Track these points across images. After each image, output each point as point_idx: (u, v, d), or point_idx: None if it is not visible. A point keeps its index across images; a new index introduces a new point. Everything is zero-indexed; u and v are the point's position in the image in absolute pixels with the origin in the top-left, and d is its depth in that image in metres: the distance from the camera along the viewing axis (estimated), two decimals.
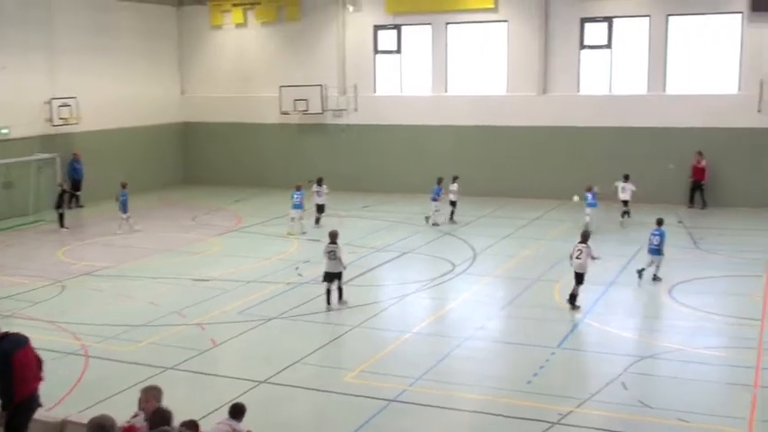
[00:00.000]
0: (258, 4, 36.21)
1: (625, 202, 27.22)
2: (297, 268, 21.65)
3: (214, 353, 15.58)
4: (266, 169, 36.68)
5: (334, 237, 18.29)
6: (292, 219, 26.33)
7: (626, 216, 26.94)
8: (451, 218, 27.56)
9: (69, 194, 29.50)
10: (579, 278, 17.84)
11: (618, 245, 23.82)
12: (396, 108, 34.41)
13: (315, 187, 27.38)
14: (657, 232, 19.95)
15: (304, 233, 25.99)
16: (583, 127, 31.45)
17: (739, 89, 29.64)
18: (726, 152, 29.54)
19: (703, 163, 29.56)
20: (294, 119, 35.75)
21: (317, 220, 27.19)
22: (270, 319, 17.38)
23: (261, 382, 13.82)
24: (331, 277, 18.07)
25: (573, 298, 17.71)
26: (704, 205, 29.64)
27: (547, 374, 14.12)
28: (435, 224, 26.97)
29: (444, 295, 19.62)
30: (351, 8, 34.42)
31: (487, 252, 23.51)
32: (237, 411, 10.06)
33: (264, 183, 36.05)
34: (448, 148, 33.24)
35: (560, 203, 30.60)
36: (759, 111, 29.11)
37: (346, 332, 16.52)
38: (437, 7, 33.21)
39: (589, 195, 26.27)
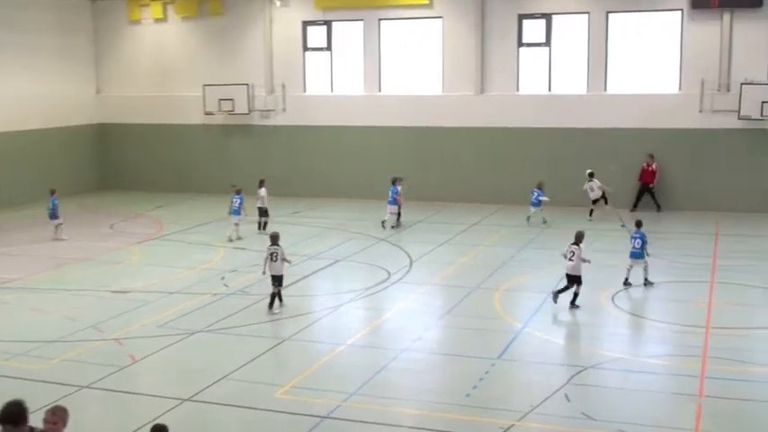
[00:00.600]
0: None
1: (594, 201, 28.05)
2: (223, 278, 21.41)
3: (133, 369, 15.27)
4: (190, 173, 36.28)
5: (275, 239, 18.72)
6: (236, 224, 26.21)
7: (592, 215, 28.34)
8: (398, 219, 28.04)
9: None
10: (574, 280, 18.32)
11: (557, 252, 24.06)
12: (326, 108, 34.34)
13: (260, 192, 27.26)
14: (638, 235, 20.31)
15: (240, 239, 25.98)
16: (522, 128, 31.81)
17: (680, 89, 30.32)
18: (668, 153, 30.16)
19: (654, 166, 30.09)
20: (219, 119, 35.42)
21: (262, 225, 27.13)
22: (194, 333, 17.13)
23: (184, 400, 13.58)
24: (276, 280, 18.43)
25: (574, 297, 18.31)
26: (659, 209, 30.17)
27: (487, 387, 14.16)
28: (394, 226, 27.56)
29: (380, 305, 19.58)
30: (278, 3, 34.26)
31: (424, 259, 23.57)
32: None
33: (188, 187, 35.65)
34: (382, 150, 33.30)
35: (499, 208, 30.93)
36: (701, 111, 29.81)
37: (277, 345, 16.36)
38: (369, 2, 33.25)
39: (535, 193, 27.08)
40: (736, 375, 14.44)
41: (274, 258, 18.42)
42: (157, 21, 36.54)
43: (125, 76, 37.49)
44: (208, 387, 14.09)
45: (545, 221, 27.97)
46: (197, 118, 35.86)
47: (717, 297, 19.29)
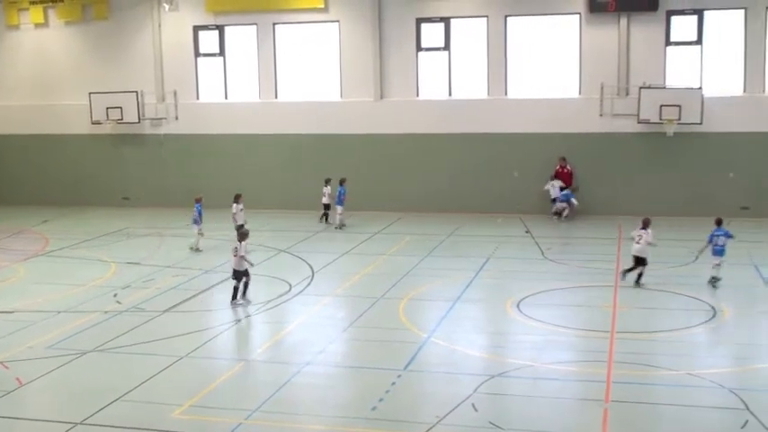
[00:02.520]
0: (60, 1, 35.00)
1: (554, 200, 29.31)
2: (115, 295, 20.99)
3: (21, 393, 14.83)
4: (77, 185, 35.52)
5: (242, 236, 20.20)
6: (199, 233, 26.34)
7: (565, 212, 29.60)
8: (326, 220, 30.15)
9: None
10: (640, 261, 20.81)
11: (462, 260, 24.43)
12: (221, 116, 34.07)
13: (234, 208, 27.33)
14: (720, 232, 20.89)
15: (199, 250, 26.09)
16: (423, 134, 32.13)
17: (580, 93, 31.11)
18: (570, 158, 30.84)
19: (569, 167, 30.76)
20: (107, 129, 34.76)
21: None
22: (85, 353, 16.74)
23: (76, 424, 13.27)
24: (236, 275, 19.82)
25: (639, 276, 20.86)
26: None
27: (393, 399, 14.23)
28: (342, 226, 29.04)
29: (281, 318, 19.48)
30: (167, 6, 33.84)
31: (326, 270, 23.59)
32: None
33: (76, 200, 34.90)
34: (281, 158, 33.22)
35: (402, 216, 31.17)
36: (601, 115, 30.64)
37: (173, 363, 16.11)
38: (263, 6, 33.16)
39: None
40: (641, 379, 14.86)
41: (234, 253, 19.83)
42: (38, 26, 35.67)
43: (3, 85, 36.46)
44: (101, 409, 13.79)
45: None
46: (83, 127, 35.11)
47: (621, 301, 19.85)
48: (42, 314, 19.46)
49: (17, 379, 15.32)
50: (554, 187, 30.28)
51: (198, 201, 26.72)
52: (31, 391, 14.99)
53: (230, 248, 20.58)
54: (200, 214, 26.36)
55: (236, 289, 19.88)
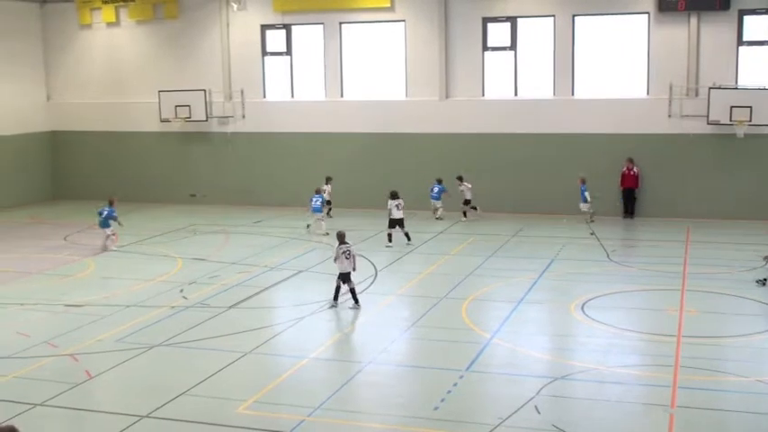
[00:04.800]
0: (132, 0, 35.57)
1: (467, 201, 29.58)
2: (181, 291, 21.28)
3: (89, 386, 15.15)
4: (146, 182, 36.06)
5: (344, 237, 19.92)
6: (318, 220, 28.45)
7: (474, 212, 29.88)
8: (328, 214, 30.58)
9: None
10: None
11: (526, 261, 24.28)
12: (287, 114, 34.32)
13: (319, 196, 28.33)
14: None
15: (327, 234, 27.65)
16: (488, 133, 31.98)
17: (648, 93, 30.66)
18: (637, 159, 30.43)
19: (635, 170, 30.36)
20: (175, 127, 35.25)
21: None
22: (152, 347, 17.03)
23: (143, 417, 13.50)
24: (347, 277, 19.66)
25: None
26: (633, 215, 30.47)
27: (455, 399, 14.22)
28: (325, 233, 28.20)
29: (344, 317, 19.57)
30: (235, 6, 34.18)
31: (389, 269, 23.63)
32: None
33: (144, 197, 35.41)
34: (344, 157, 33.34)
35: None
36: (669, 116, 30.16)
37: (238, 359, 16.29)
38: (329, 5, 33.30)
39: (435, 188, 30.64)
40: (708, 385, 14.64)
41: (348, 256, 19.66)
42: (109, 25, 36.30)
43: (76, 83, 37.21)
44: (167, 403, 14.02)
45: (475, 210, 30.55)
46: (152, 125, 35.67)
47: (688, 305, 19.54)
48: (111, 308, 19.83)
49: (86, 371, 15.64)
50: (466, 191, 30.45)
51: (318, 192, 28.85)
52: (100, 384, 15.30)
53: (339, 252, 19.75)
54: (322, 202, 28.81)
55: (337, 289, 19.74)
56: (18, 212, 33.81)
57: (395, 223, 26.72)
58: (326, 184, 30.92)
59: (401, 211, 26.76)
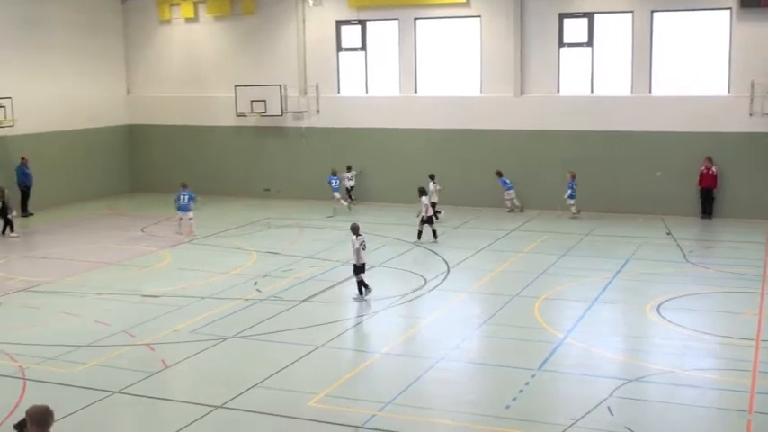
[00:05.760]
0: None
1: (433, 204, 28.67)
2: (255, 283, 21.54)
3: (165, 375, 15.44)
4: (221, 175, 36.53)
5: (358, 229, 20.47)
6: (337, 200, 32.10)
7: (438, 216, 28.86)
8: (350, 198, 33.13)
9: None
10: None
11: (601, 260, 24.01)
12: (361, 110, 34.44)
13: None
14: None
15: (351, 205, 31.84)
16: (563, 130, 31.69)
17: (729, 91, 30.02)
18: (716, 158, 29.80)
19: (714, 169, 29.80)
20: (251, 121, 35.66)
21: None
22: (226, 339, 17.27)
23: (216, 407, 13.70)
24: (363, 269, 20.26)
25: None
26: (711, 215, 29.93)
27: (527, 398, 14.14)
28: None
29: (416, 313, 19.62)
30: (311, 2, 34.41)
31: (462, 266, 23.58)
32: None
33: (219, 190, 35.87)
34: (418, 153, 33.33)
35: (540, 213, 30.85)
36: (751, 114, 29.50)
37: (310, 352, 16.44)
38: (405, 1, 33.30)
39: (503, 180, 30.95)
40: None
41: (364, 247, 20.28)
42: (188, 20, 36.87)
43: (155, 77, 37.88)
44: (240, 394, 14.21)
45: (578, 212, 30.05)
46: (228, 119, 36.14)
47: (767, 309, 19.11)
48: (187, 299, 20.16)
49: (162, 361, 15.94)
50: (433, 193, 29.71)
51: (334, 173, 32.43)
52: (175, 373, 15.58)
53: (357, 244, 20.37)
54: (339, 182, 32.46)
55: (363, 282, 20.24)
56: (97, 204, 34.58)
57: (427, 221, 26.52)
58: (348, 171, 33.35)
59: (431, 209, 26.71)
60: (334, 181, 32.49)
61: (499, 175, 31.47)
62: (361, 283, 20.20)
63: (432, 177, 30.05)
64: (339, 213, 31.36)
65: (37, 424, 8.89)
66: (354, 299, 20.22)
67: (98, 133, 36.59)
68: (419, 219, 26.62)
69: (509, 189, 31.43)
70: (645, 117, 30.75)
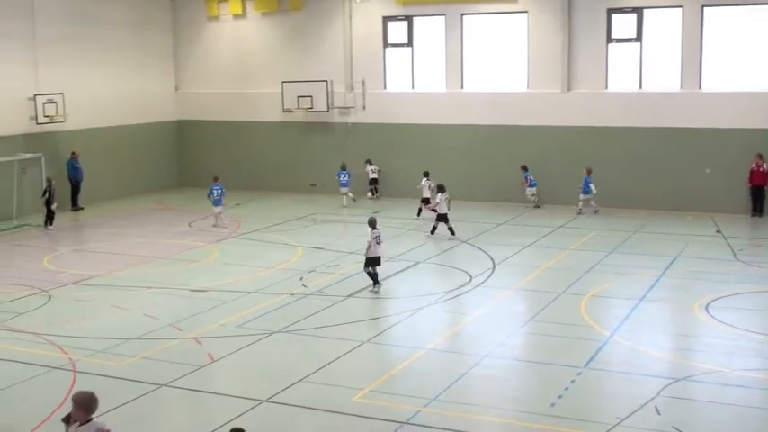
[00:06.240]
0: None
1: (425, 201, 28.93)
2: (301, 278, 21.64)
3: (211, 369, 15.59)
4: (267, 171, 36.73)
5: (375, 223, 20.82)
6: (344, 194, 32.52)
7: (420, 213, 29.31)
8: (375, 193, 34.24)
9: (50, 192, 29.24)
10: None
11: (648, 258, 23.76)
12: (407, 106, 34.42)
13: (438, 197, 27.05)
14: None
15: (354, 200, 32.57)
16: (611, 127, 31.39)
17: None
18: (766, 156, 29.35)
19: (765, 166, 29.35)
20: (297, 117, 35.80)
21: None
22: (272, 333, 17.38)
23: (262, 401, 13.81)
24: (377, 262, 20.57)
25: None
26: (761, 213, 29.50)
27: (572, 396, 14.07)
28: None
29: (461, 309, 19.59)
30: None
31: (507, 263, 23.48)
32: None
33: (266, 186, 36.12)
34: (463, 149, 33.23)
35: (586, 210, 30.58)
36: None
37: (355, 348, 16.49)
38: None
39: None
40: None
41: (379, 241, 20.52)
42: (236, 16, 37.09)
43: (203, 73, 38.18)
44: (286, 389, 14.30)
45: (596, 211, 29.61)
46: (275, 115, 36.31)
47: None
48: (233, 294, 20.32)
49: (209, 355, 16.09)
50: (425, 187, 29.57)
51: (344, 168, 32.89)
52: (221, 367, 15.72)
53: (373, 237, 20.54)
54: (349, 178, 32.89)
55: (369, 275, 20.55)
56: (146, 198, 34.96)
57: (442, 218, 26.33)
58: (369, 164, 34.22)
59: (448, 205, 26.53)
60: (342, 176, 32.82)
61: (524, 169, 31.50)
62: (370, 275, 20.51)
63: (426, 174, 29.98)
64: (351, 206, 32.25)
65: (82, 408, 9.07)
66: (370, 290, 20.42)
67: (147, 129, 36.98)
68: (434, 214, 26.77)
69: (532, 186, 31.45)
70: (694, 113, 30.36)
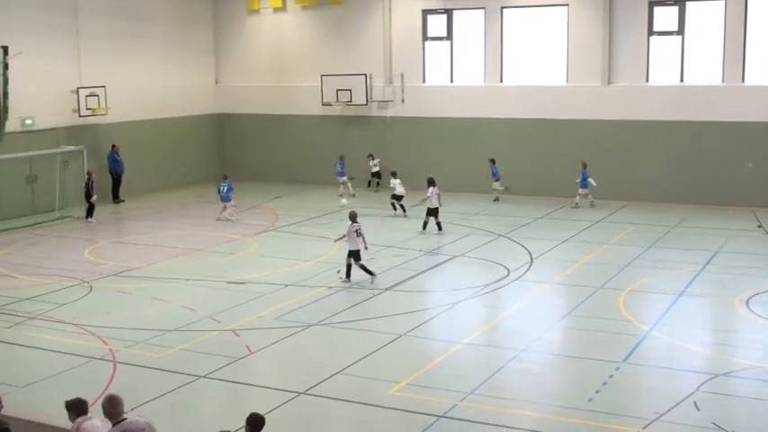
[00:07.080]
0: None
1: (400, 197, 28.93)
2: (338, 272, 21.62)
3: (249, 361, 15.68)
4: (306, 164, 36.80)
5: (356, 217, 21.10)
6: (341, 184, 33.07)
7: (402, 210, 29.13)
8: (377, 186, 34.44)
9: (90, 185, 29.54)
10: None
11: (689, 253, 23.52)
12: (446, 99, 34.31)
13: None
14: None
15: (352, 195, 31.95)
16: (651, 121, 31.08)
17: None
18: None
19: None
20: (336, 110, 35.84)
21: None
22: (309, 326, 17.44)
23: (300, 394, 13.86)
24: (357, 255, 20.56)
25: None
26: None
27: (610, 391, 13.97)
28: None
29: (499, 303, 19.53)
30: None
31: (546, 257, 23.34)
32: (256, 424, 9.57)
33: (304, 179, 36.20)
34: (502, 143, 33.06)
35: (625, 204, 30.34)
36: None
37: (392, 341, 16.50)
38: None
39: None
40: None
41: (359, 235, 20.67)
42: (276, 10, 37.20)
43: (243, 66, 38.34)
44: (323, 381, 14.34)
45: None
46: (314, 109, 36.36)
47: None
48: (271, 286, 20.42)
49: (246, 347, 16.19)
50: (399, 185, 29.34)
51: (341, 158, 33.63)
52: (259, 359, 15.81)
53: (351, 231, 20.82)
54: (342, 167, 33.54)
55: (350, 267, 20.62)
56: (186, 191, 35.20)
57: (432, 212, 26.20)
58: (372, 158, 34.54)
59: (439, 199, 26.35)
60: (340, 166, 33.42)
61: (492, 162, 31.69)
62: (350, 267, 20.59)
63: (393, 174, 29.91)
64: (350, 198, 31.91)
65: (104, 412, 9.05)
66: (342, 281, 20.66)
67: (187, 122, 37.23)
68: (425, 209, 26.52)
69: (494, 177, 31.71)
70: (736, 107, 29.95)
